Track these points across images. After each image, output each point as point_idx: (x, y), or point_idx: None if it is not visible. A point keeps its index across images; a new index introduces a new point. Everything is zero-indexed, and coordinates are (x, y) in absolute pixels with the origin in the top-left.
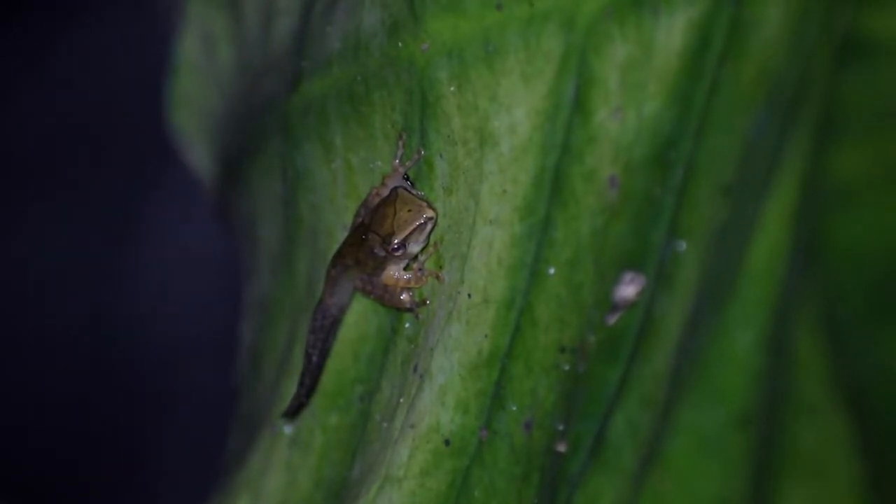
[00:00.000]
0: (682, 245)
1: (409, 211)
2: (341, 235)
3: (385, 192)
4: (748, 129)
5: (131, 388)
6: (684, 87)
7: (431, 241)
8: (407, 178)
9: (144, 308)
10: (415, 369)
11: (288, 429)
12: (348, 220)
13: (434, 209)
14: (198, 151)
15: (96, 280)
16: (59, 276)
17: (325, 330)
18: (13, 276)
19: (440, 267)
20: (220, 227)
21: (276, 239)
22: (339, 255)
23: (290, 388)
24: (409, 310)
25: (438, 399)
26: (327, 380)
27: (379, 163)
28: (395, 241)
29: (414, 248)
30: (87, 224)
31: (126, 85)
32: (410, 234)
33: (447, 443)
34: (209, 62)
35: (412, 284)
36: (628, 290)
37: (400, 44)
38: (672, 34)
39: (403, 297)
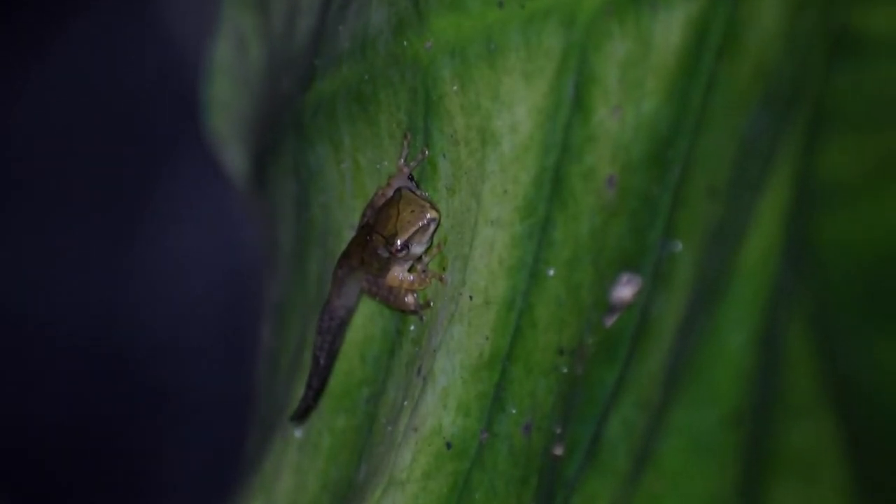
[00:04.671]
0: (678, 245)
1: (412, 212)
2: (349, 236)
3: (390, 193)
4: (744, 126)
5: (138, 389)
6: (682, 84)
7: (435, 242)
8: (412, 179)
9: (153, 308)
10: (418, 371)
11: (298, 432)
12: (356, 220)
13: (437, 210)
14: (231, 153)
15: (103, 280)
16: (67, 276)
17: (333, 332)
18: (18, 276)
19: (443, 268)
20: (248, 228)
21: (291, 239)
22: (345, 255)
23: (300, 391)
24: (414, 312)
25: (440, 401)
26: (335, 382)
27: (385, 163)
28: (398, 242)
29: (417, 249)
30: (94, 224)
31: (133, 82)
32: (413, 234)
33: (448, 445)
34: (241, 63)
35: (416, 286)
36: (625, 291)
37: (405, 42)
38: (670, 31)
39: (408, 299)
